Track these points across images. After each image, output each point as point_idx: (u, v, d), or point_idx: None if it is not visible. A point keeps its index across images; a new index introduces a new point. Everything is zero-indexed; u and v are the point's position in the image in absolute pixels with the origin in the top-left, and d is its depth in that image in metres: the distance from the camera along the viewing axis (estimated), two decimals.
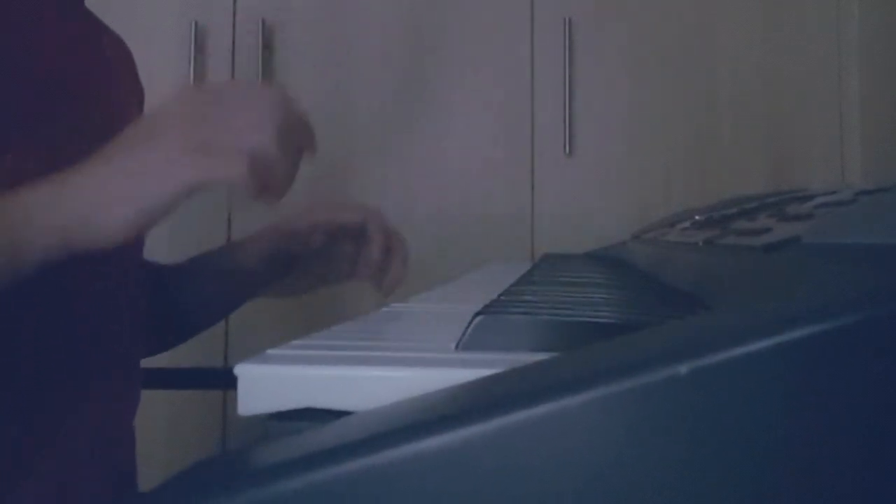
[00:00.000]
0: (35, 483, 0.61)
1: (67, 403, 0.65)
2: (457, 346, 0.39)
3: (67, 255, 0.51)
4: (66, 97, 0.66)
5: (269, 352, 0.37)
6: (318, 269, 0.88)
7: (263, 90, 0.56)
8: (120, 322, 0.72)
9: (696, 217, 0.91)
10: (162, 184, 0.50)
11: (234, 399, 0.33)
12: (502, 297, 0.51)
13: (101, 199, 0.50)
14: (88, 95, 0.69)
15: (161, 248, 0.95)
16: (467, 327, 0.39)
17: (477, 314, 0.39)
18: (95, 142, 0.53)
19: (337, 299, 1.56)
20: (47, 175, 0.51)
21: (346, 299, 1.52)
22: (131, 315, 0.74)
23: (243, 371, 0.33)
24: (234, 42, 1.54)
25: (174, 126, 0.52)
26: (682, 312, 0.43)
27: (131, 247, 0.74)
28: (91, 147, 0.53)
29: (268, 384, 0.33)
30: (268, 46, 1.54)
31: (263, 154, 0.52)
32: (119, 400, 0.73)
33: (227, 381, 1.45)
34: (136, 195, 0.50)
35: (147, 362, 0.78)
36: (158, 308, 0.84)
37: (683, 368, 0.22)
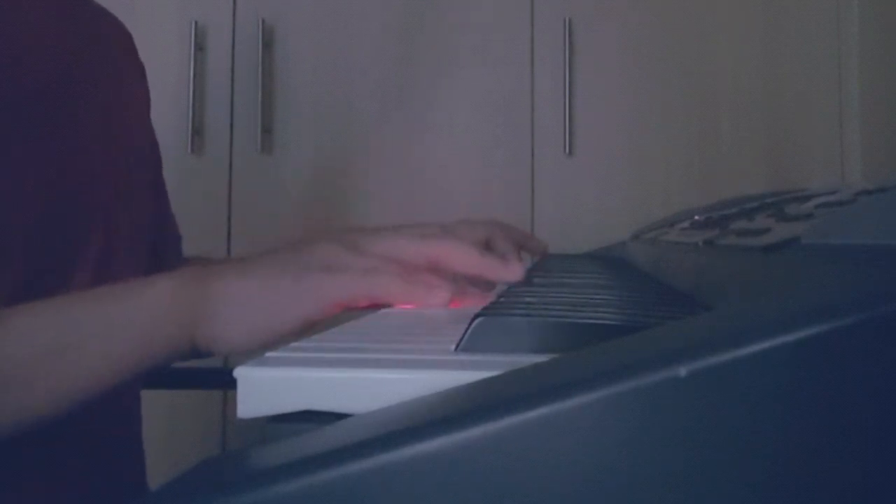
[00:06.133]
0: (35, 486, 0.61)
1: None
2: (456, 348, 0.38)
3: (176, 357, 0.51)
4: (44, 79, 0.65)
5: (269, 354, 0.37)
6: None
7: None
8: None
9: (696, 217, 0.91)
10: (288, 310, 0.49)
11: (234, 400, 0.33)
12: (502, 299, 0.51)
13: (229, 312, 0.49)
14: (69, 74, 0.68)
15: None
16: (467, 329, 0.39)
17: (476, 315, 0.39)
18: (76, 119, 0.52)
19: None
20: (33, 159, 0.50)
21: None
22: None
23: (243, 374, 0.33)
24: (234, 42, 1.54)
25: (310, 252, 0.52)
26: (682, 313, 0.43)
27: (131, 258, 0.74)
28: (70, 124, 0.52)
29: (267, 387, 0.33)
30: (268, 46, 1.54)
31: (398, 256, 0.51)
32: (117, 402, 0.73)
33: (227, 382, 1.45)
34: (259, 321, 0.49)
35: None
36: None
37: (683, 370, 0.22)
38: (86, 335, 0.49)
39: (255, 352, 0.39)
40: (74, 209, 0.66)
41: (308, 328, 0.49)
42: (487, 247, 0.80)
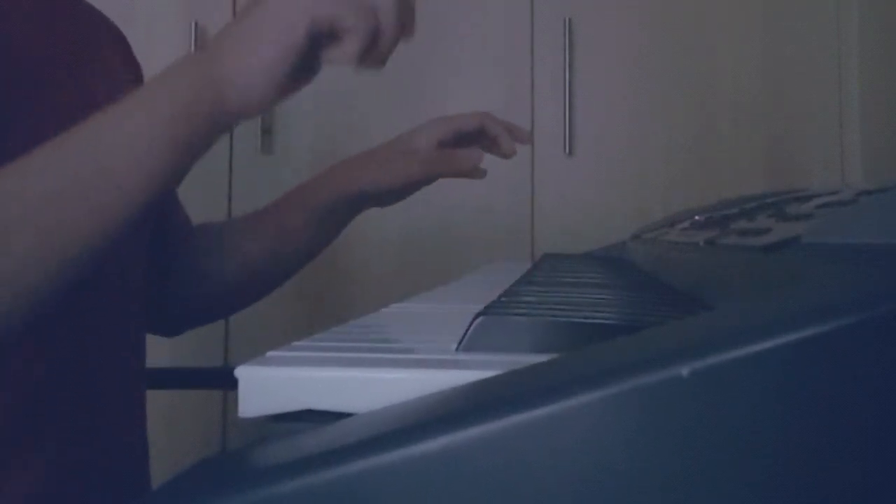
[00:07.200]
0: (36, 482, 0.62)
1: (66, 402, 0.65)
2: (457, 348, 0.38)
3: (200, 144, 0.52)
4: (41, 81, 0.65)
5: (270, 354, 0.37)
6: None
7: None
8: (118, 318, 0.72)
9: (696, 217, 0.91)
10: (288, 21, 0.50)
11: (235, 399, 0.33)
12: (503, 298, 0.51)
13: (228, 54, 0.51)
14: (65, 77, 0.68)
15: None
16: (468, 328, 0.39)
17: (478, 315, 0.39)
18: (71, 121, 0.53)
19: (337, 300, 1.56)
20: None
21: (346, 300, 1.52)
22: (130, 312, 0.74)
23: (244, 373, 0.33)
24: None
25: None
26: (683, 313, 0.43)
27: (133, 254, 0.74)
28: (66, 125, 0.53)
29: (268, 386, 0.33)
30: None
31: (384, 12, 0.53)
32: (121, 402, 0.73)
33: (227, 382, 1.45)
34: (264, 38, 0.51)
35: (147, 362, 0.78)
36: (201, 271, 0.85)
37: (684, 369, 0.22)
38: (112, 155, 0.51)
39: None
40: None
41: (314, 29, 0.51)
42: (483, 131, 0.91)
